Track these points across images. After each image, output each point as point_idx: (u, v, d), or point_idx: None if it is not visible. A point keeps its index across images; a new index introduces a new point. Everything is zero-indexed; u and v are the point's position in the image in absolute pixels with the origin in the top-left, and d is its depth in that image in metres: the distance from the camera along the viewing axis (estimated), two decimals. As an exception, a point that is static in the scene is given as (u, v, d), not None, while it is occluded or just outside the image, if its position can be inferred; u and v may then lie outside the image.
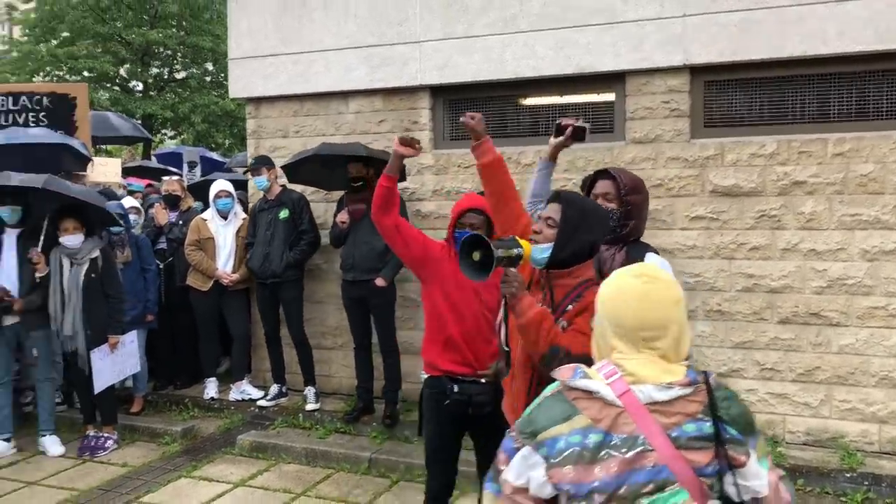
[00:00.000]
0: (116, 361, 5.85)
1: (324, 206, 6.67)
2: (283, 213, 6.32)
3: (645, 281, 1.83)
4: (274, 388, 6.59)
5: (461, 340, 3.48)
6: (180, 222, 6.95)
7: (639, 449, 1.69)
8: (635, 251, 3.24)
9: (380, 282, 5.77)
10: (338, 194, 6.36)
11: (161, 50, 19.09)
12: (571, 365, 1.86)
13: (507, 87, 6.06)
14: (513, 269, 2.64)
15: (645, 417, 1.70)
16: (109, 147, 15.84)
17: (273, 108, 6.89)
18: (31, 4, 19.08)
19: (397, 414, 5.94)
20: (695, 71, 5.48)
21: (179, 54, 19.43)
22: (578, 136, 3.47)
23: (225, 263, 6.59)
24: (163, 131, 20.64)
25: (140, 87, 19.52)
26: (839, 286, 5.15)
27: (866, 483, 4.72)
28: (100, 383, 5.72)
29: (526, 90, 6.05)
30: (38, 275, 5.61)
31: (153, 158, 13.73)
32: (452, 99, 6.29)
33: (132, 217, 6.69)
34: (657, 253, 3.33)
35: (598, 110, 5.85)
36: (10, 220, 5.65)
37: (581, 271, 2.80)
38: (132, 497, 5.00)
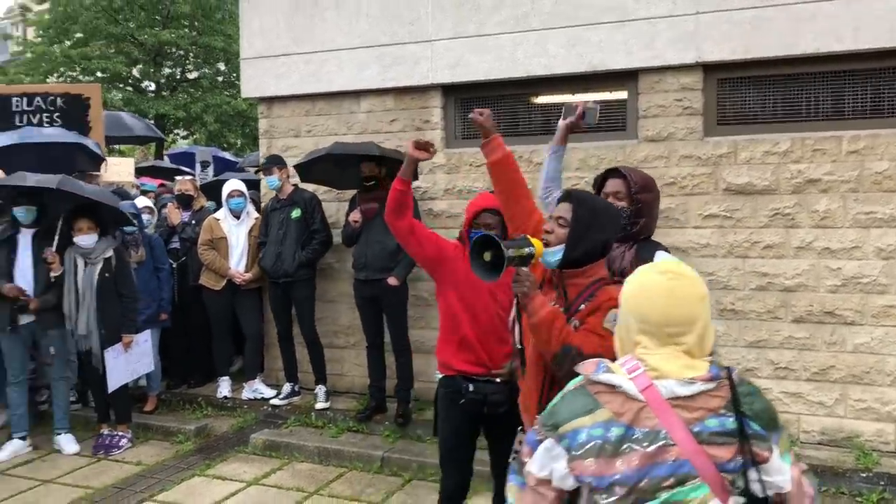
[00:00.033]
0: (130, 360, 5.88)
1: (336, 206, 6.69)
2: (296, 213, 6.34)
3: (670, 277, 1.84)
4: (286, 387, 6.61)
5: (475, 340, 3.48)
6: (193, 222, 6.99)
7: (660, 443, 1.70)
8: (645, 249, 3.23)
9: (392, 281, 5.78)
10: (350, 193, 6.37)
11: (173, 50, 19.17)
12: (594, 360, 1.88)
13: (519, 86, 6.05)
14: (524, 269, 2.64)
15: (667, 412, 1.71)
16: (122, 147, 15.93)
17: (285, 107, 6.91)
18: (45, 6, 19.19)
19: (410, 413, 5.94)
20: (707, 68, 5.46)
21: (192, 54, 19.50)
22: (589, 118, 3.46)
23: (237, 263, 6.61)
24: (175, 131, 20.73)
25: (152, 87, 19.61)
26: (854, 285, 5.12)
27: (882, 483, 4.69)
28: (114, 382, 5.76)
29: (538, 89, 6.04)
30: (52, 274, 5.65)
31: (165, 158, 13.81)
32: (464, 98, 6.29)
33: (145, 217, 6.73)
34: (668, 251, 3.31)
35: (610, 108, 5.83)
36: (25, 220, 5.69)
37: (594, 270, 2.79)
38: (146, 495, 5.03)
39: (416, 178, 6.08)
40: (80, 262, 5.68)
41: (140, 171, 9.78)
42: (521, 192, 3.10)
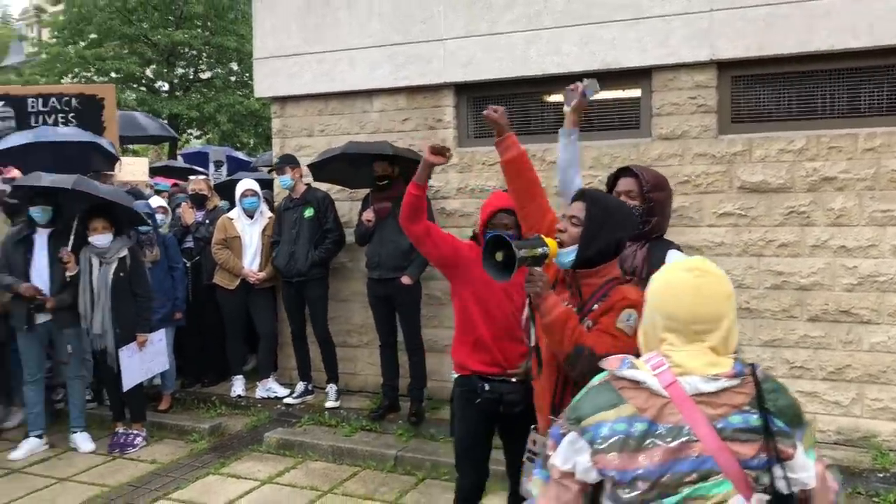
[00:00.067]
0: (145, 359, 5.91)
1: (348, 205, 6.70)
2: (308, 212, 6.35)
3: (697, 275, 1.85)
4: (300, 386, 6.63)
5: (490, 341, 3.47)
6: (207, 221, 7.01)
7: (683, 439, 1.71)
8: (658, 248, 3.23)
9: (405, 280, 5.79)
10: (362, 193, 6.38)
11: (186, 50, 19.26)
12: (619, 356, 1.89)
13: (532, 84, 6.04)
14: (538, 269, 2.63)
15: (691, 408, 1.72)
16: (136, 147, 16.02)
17: (298, 107, 6.93)
18: (60, 7, 19.32)
19: (423, 412, 5.95)
20: (722, 66, 5.43)
21: (204, 54, 19.59)
22: (589, 93, 3.46)
23: (251, 262, 6.64)
24: (188, 131, 20.83)
25: (166, 87, 19.72)
26: (870, 283, 5.08)
27: (899, 483, 4.65)
28: (128, 381, 5.79)
29: (551, 87, 6.02)
30: (68, 274, 5.68)
31: (179, 158, 13.88)
32: (476, 96, 6.28)
33: (159, 216, 6.76)
34: (680, 250, 3.31)
35: (623, 106, 5.82)
36: (41, 220, 5.72)
37: (607, 270, 2.78)
38: (161, 493, 5.05)
39: (428, 176, 6.08)
40: (96, 262, 5.71)
41: (154, 171, 9.84)
42: (535, 190, 3.08)
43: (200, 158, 11.98)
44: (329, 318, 6.55)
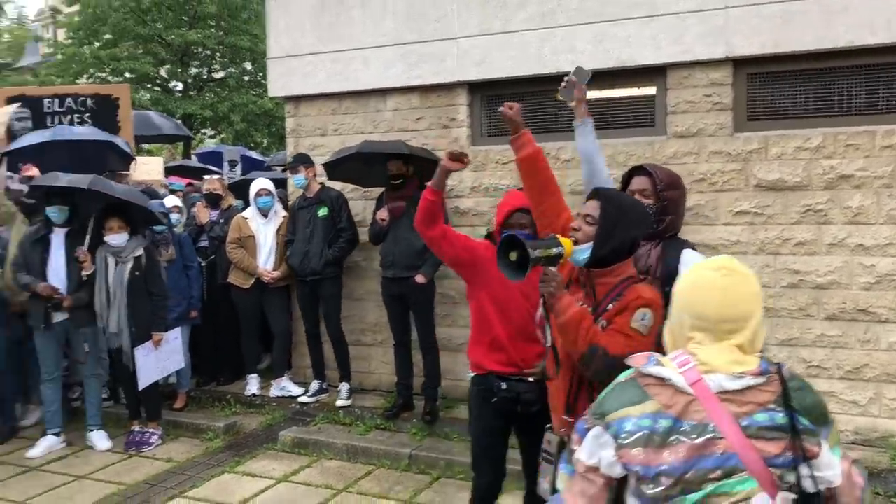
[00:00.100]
0: (160, 358, 5.95)
1: (362, 204, 6.70)
2: (322, 211, 6.36)
3: (724, 274, 1.85)
4: (314, 385, 6.65)
5: (507, 341, 3.46)
6: (221, 220, 7.04)
7: (708, 436, 1.72)
8: (672, 247, 3.22)
9: (420, 279, 5.79)
10: (376, 191, 6.38)
11: (200, 50, 19.32)
12: (645, 353, 1.90)
13: (546, 82, 6.00)
14: (552, 269, 2.63)
15: (716, 406, 1.73)
16: (150, 146, 16.09)
17: (312, 106, 6.94)
18: (75, 8, 19.44)
19: (437, 410, 5.95)
20: (737, 63, 5.39)
21: (218, 54, 19.64)
22: (581, 79, 3.48)
23: (266, 261, 6.66)
24: (202, 131, 20.91)
25: (180, 87, 19.79)
26: (888, 282, 5.03)
27: (918, 483, 4.61)
28: (144, 380, 5.83)
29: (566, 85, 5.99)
30: (84, 273, 5.72)
31: (193, 157, 13.92)
32: (490, 95, 6.28)
33: (174, 216, 6.78)
34: (695, 249, 3.29)
35: (638, 104, 5.80)
36: (57, 219, 5.76)
37: (622, 269, 2.77)
38: (177, 492, 5.08)
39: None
40: (111, 261, 5.75)
41: (168, 171, 9.86)
42: (550, 188, 3.06)
43: (215, 158, 12.02)
44: (343, 317, 6.56)
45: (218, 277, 6.94)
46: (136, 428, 6.03)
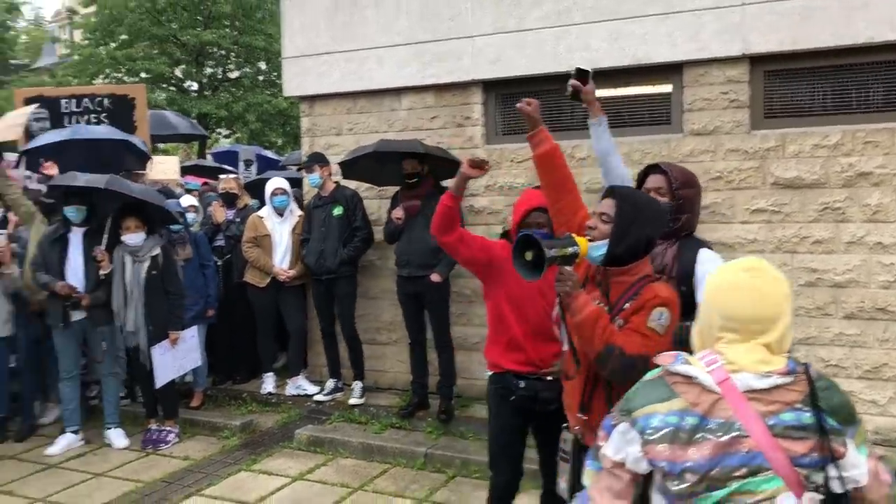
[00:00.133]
0: (177, 357, 5.98)
1: (377, 203, 6.71)
2: (337, 210, 6.38)
3: (755, 275, 1.86)
4: (330, 383, 6.66)
5: (524, 340, 3.46)
6: (237, 220, 7.07)
7: (734, 434, 1.73)
8: (688, 247, 3.21)
9: (435, 277, 5.79)
10: (391, 190, 6.39)
11: (215, 50, 19.41)
12: (672, 352, 1.92)
13: (561, 81, 5.90)
14: (568, 268, 2.62)
15: (742, 404, 1.74)
16: (165, 146, 16.19)
17: (327, 105, 6.95)
18: (92, 9, 19.57)
19: (452, 409, 5.95)
20: (754, 60, 5.35)
21: (233, 54, 19.73)
22: (583, 76, 3.42)
23: (281, 260, 6.68)
24: (217, 130, 21.01)
25: (195, 87, 19.89)
26: (908, 280, 4.99)
27: (938, 484, 4.56)
28: (161, 378, 5.86)
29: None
30: (102, 272, 5.76)
31: (209, 157, 14.00)
32: (505, 93, 6.26)
33: (190, 216, 6.82)
34: (711, 248, 3.28)
35: (654, 102, 5.77)
36: (75, 219, 5.80)
37: (638, 268, 2.76)
38: (194, 489, 5.11)
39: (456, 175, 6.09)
40: (129, 260, 5.78)
41: (184, 170, 9.93)
42: (568, 185, 3.04)
43: (230, 157, 12.08)
44: (358, 316, 6.57)
45: (234, 276, 6.97)
46: (154, 426, 6.07)
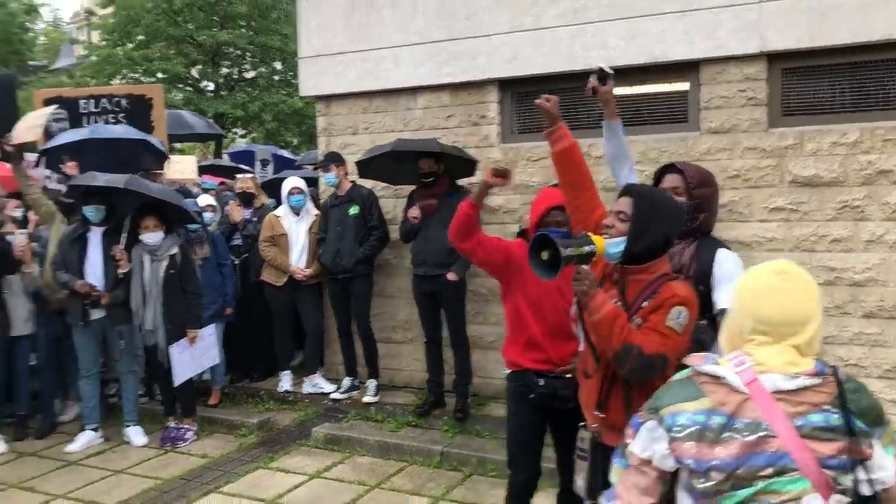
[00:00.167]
0: (195, 355, 6.02)
1: (393, 202, 6.73)
2: (353, 210, 6.40)
3: (786, 278, 1.88)
4: (346, 382, 6.69)
5: (543, 339, 3.46)
6: (254, 219, 7.10)
7: (761, 434, 1.73)
8: (706, 246, 3.20)
9: (451, 276, 5.79)
10: (406, 189, 6.40)
11: (231, 50, 19.51)
12: (703, 353, 1.94)
13: (577, 79, 5.94)
14: (585, 267, 2.62)
15: (770, 404, 1.74)
16: (181, 145, 16.29)
17: (343, 105, 6.97)
18: (110, 10, 19.72)
19: (468, 408, 5.95)
20: (772, 58, 5.32)
21: (249, 54, 19.82)
22: (603, 77, 3.37)
23: (298, 259, 6.70)
24: (233, 130, 21.12)
25: (211, 87, 20.00)
26: (928, 279, 4.94)
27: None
28: (179, 376, 5.91)
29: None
30: (120, 271, 5.81)
31: (225, 157, 14.07)
32: (521, 92, 6.26)
33: (208, 215, 6.87)
34: (728, 248, 3.27)
35: (671, 100, 5.75)
36: (94, 218, 5.86)
37: (656, 266, 2.76)
38: (212, 487, 5.14)
39: (472, 173, 6.10)
40: (147, 259, 5.83)
41: (201, 170, 9.98)
42: (586, 183, 3.03)
43: (247, 157, 12.14)
44: (374, 315, 6.59)
45: (251, 275, 7.01)
46: (172, 424, 6.12)
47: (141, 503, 4.94)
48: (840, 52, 5.14)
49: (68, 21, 41.48)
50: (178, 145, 14.47)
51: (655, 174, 3.45)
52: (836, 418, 1.74)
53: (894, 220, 5.00)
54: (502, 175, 3.37)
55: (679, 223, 2.89)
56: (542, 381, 3.46)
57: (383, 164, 6.27)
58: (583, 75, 5.84)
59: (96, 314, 5.84)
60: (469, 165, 6.08)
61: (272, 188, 7.83)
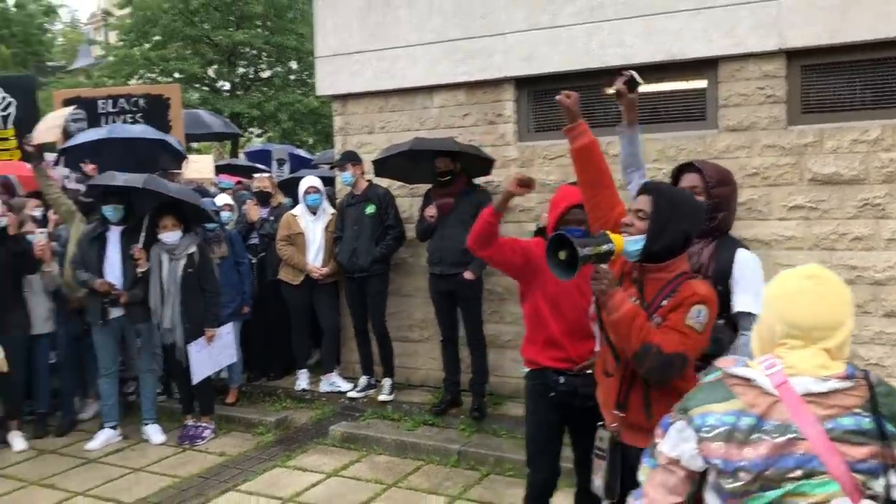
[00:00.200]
0: (213, 353, 6.05)
1: (409, 201, 6.73)
2: (370, 209, 6.41)
3: (818, 283, 1.87)
4: (363, 380, 6.70)
5: (561, 338, 3.45)
6: (271, 218, 7.13)
7: (790, 436, 1.73)
8: (725, 246, 3.19)
9: (468, 275, 5.79)
10: (422, 188, 6.40)
11: (247, 50, 19.59)
12: (734, 356, 1.96)
13: (594, 77, 5.96)
14: (603, 266, 2.61)
15: (800, 407, 1.74)
16: (198, 145, 16.38)
17: (359, 104, 6.99)
18: (127, 10, 19.86)
19: (485, 407, 5.95)
20: (791, 55, 5.28)
21: (265, 54, 19.90)
22: (632, 85, 3.35)
23: (315, 258, 6.72)
24: (250, 130, 21.21)
25: (227, 86, 20.09)
26: (950, 277, 4.88)
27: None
28: (198, 375, 5.94)
29: (613, 79, 5.93)
30: (139, 270, 5.84)
31: (242, 156, 14.13)
32: (537, 90, 6.24)
33: (225, 214, 6.90)
34: (747, 248, 3.25)
35: (689, 98, 5.72)
36: (113, 217, 5.90)
37: (676, 265, 2.74)
38: (230, 485, 5.17)
39: (488, 172, 6.09)
40: (165, 259, 5.86)
41: (218, 169, 10.05)
42: (605, 181, 2.99)
43: (263, 156, 12.20)
44: (390, 314, 6.60)
45: (268, 274, 7.03)
46: (190, 422, 6.15)
47: (159, 501, 4.97)
48: (860, 49, 5.09)
49: (86, 22, 41.84)
50: (195, 145, 14.57)
51: (673, 173, 3.42)
52: (867, 422, 1.73)
53: (916, 219, 4.95)
54: (526, 185, 3.36)
55: (699, 221, 2.86)
56: (562, 379, 3.45)
57: (399, 163, 6.27)
58: (600, 73, 5.88)
59: (115, 313, 5.88)
60: (486, 164, 6.07)
61: (289, 187, 7.86)
